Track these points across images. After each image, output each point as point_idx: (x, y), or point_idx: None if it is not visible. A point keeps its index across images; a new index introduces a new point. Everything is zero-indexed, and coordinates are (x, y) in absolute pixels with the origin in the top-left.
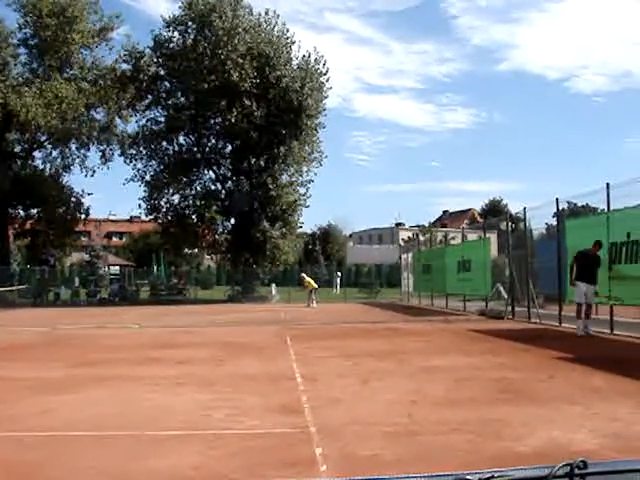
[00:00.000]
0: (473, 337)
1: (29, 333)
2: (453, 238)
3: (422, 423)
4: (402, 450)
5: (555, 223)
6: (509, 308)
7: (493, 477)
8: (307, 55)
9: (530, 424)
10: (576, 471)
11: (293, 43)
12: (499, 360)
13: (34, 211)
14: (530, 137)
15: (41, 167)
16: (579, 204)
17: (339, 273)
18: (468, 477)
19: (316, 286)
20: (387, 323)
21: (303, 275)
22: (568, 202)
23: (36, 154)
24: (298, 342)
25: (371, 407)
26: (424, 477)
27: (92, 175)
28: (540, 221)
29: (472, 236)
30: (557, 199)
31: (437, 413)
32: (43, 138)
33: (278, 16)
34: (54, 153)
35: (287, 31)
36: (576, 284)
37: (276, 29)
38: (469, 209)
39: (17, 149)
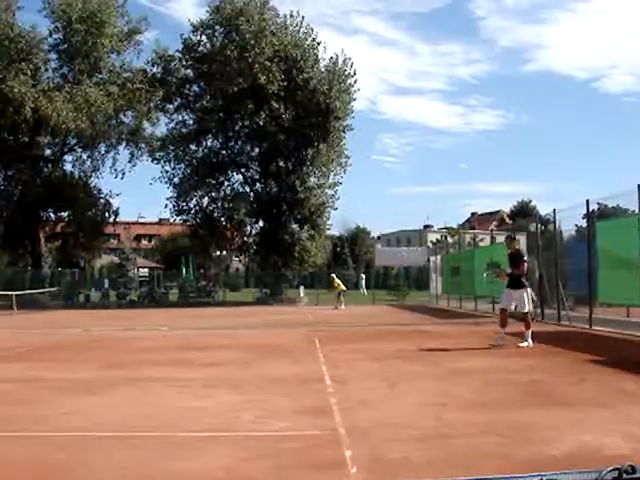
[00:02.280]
0: None
1: (60, 335)
2: (482, 240)
3: (452, 426)
4: (432, 453)
5: (585, 225)
6: (538, 310)
7: None
8: (334, 57)
9: (561, 428)
10: (624, 476)
11: (319, 44)
12: (529, 363)
13: (64, 214)
14: (558, 138)
15: (71, 170)
16: (609, 205)
17: (364, 275)
18: None
19: (345, 288)
20: (415, 325)
21: (333, 276)
22: (598, 203)
23: (66, 157)
24: (327, 344)
25: (400, 409)
26: None
27: (122, 177)
28: (570, 223)
29: (501, 238)
30: (587, 201)
31: (467, 416)
32: (73, 142)
33: (303, 18)
34: (84, 156)
35: (312, 31)
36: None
37: (301, 31)
38: (498, 211)
39: (47, 153)
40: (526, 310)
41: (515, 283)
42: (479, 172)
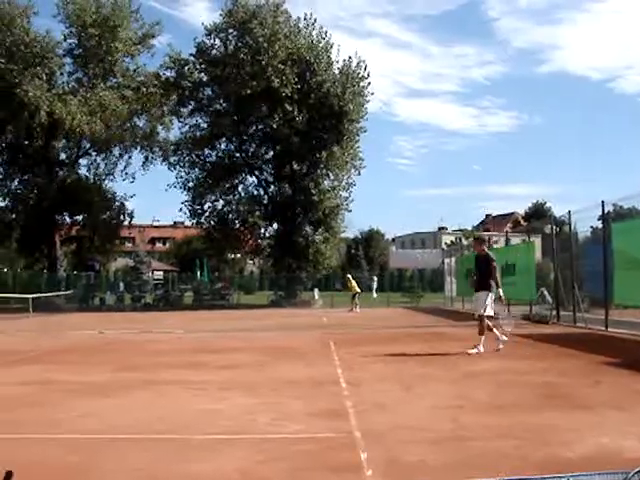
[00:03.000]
0: (518, 342)
1: (75, 337)
2: (496, 242)
3: (467, 428)
4: (448, 456)
5: (600, 226)
6: (554, 312)
7: None
8: (348, 60)
9: (578, 430)
10: None
11: (331, 46)
12: (544, 365)
13: (79, 217)
14: (573, 139)
15: (85, 174)
16: (625, 207)
17: (375, 277)
18: None
19: (359, 290)
20: (430, 328)
21: (349, 276)
22: (614, 205)
23: (81, 161)
24: (341, 347)
25: (416, 412)
26: None
27: (132, 182)
28: (585, 224)
29: (515, 240)
30: (603, 202)
31: (482, 418)
32: (88, 146)
33: (315, 20)
34: (98, 160)
35: (325, 34)
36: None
37: (314, 33)
38: (512, 212)
39: (63, 157)
40: (484, 313)
41: (479, 285)
42: (493, 174)
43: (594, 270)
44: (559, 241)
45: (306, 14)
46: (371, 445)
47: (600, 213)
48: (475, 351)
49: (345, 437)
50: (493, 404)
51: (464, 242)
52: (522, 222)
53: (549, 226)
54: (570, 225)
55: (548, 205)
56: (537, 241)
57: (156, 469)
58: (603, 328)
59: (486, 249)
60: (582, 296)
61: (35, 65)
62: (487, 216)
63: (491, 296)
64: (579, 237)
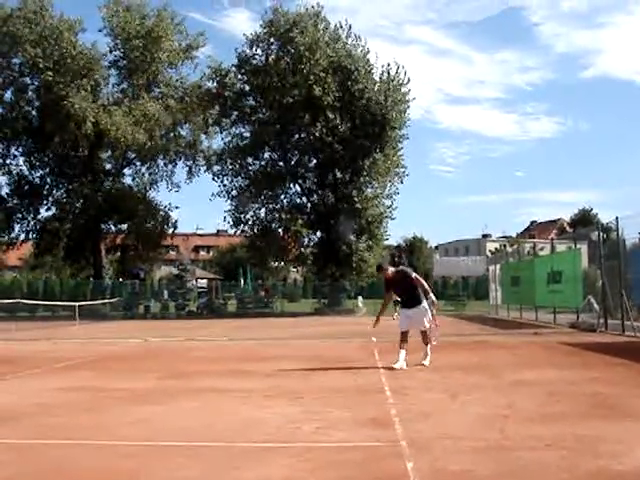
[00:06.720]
0: (564, 350)
1: (121, 345)
2: (542, 249)
3: (514, 438)
4: (494, 466)
5: None
6: (601, 320)
7: None
8: (388, 66)
9: (627, 441)
10: None
11: (368, 52)
12: (592, 374)
13: (124, 226)
14: (618, 144)
15: (130, 183)
16: None
17: None
18: None
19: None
20: (475, 336)
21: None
22: None
23: (125, 171)
24: (386, 355)
25: (461, 421)
26: None
27: (177, 191)
28: (633, 231)
29: (561, 247)
30: None
31: (529, 428)
32: (132, 156)
33: (350, 27)
34: (143, 169)
35: (361, 40)
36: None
37: (350, 40)
38: (558, 219)
39: (108, 166)
40: (424, 328)
41: (409, 302)
42: (538, 180)
43: None
44: (606, 248)
45: (341, 22)
46: (417, 454)
47: None
48: (427, 362)
49: (391, 446)
50: (540, 413)
51: (509, 249)
52: (568, 229)
53: (596, 233)
54: (618, 231)
55: (594, 212)
56: (583, 248)
57: (203, 476)
58: None
59: (392, 268)
60: (630, 304)
61: (81, 77)
62: (532, 223)
63: (427, 306)
64: (627, 244)
